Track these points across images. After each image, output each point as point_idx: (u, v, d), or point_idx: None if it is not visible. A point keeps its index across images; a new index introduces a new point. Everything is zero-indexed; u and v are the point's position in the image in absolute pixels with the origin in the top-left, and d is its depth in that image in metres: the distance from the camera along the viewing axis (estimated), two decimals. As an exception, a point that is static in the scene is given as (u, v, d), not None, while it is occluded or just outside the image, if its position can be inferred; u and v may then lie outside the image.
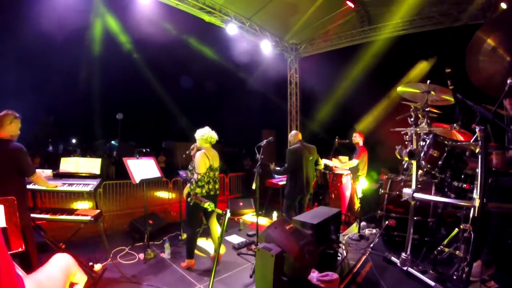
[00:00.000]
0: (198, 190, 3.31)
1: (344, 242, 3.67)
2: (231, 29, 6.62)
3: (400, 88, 3.09)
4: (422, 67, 7.51)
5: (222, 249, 3.92)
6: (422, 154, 2.72)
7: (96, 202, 3.91)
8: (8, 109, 2.55)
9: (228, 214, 2.08)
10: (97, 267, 3.13)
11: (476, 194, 2.06)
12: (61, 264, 0.84)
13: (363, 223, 4.41)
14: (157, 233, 4.34)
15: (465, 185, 2.45)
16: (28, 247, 2.41)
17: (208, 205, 2.29)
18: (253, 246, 3.92)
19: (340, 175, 5.19)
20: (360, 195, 4.83)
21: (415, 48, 7.73)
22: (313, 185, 5.49)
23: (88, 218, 3.18)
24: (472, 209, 2.12)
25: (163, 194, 7.12)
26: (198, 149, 3.49)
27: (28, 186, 2.88)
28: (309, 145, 4.43)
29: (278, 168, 4.49)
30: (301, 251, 2.30)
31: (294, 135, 4.53)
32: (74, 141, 31.12)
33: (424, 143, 2.83)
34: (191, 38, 9.98)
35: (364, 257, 3.36)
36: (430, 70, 7.25)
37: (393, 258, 3.03)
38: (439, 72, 2.55)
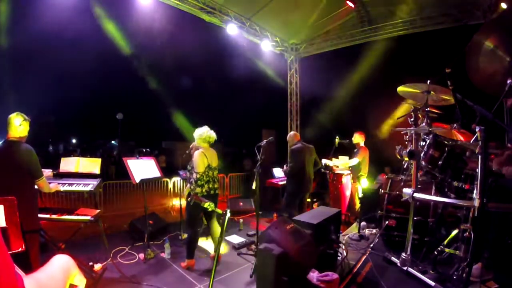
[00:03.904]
0: (198, 189, 3.31)
1: (344, 242, 3.67)
2: (231, 29, 6.61)
3: (400, 88, 3.09)
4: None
5: (225, 248, 3.92)
6: (422, 154, 2.72)
7: (96, 202, 3.91)
8: (6, 109, 2.56)
9: (228, 214, 2.08)
10: (97, 267, 3.13)
11: (476, 194, 2.06)
12: (62, 265, 0.85)
13: (363, 223, 4.41)
14: (157, 233, 4.33)
15: (465, 185, 2.45)
16: (32, 249, 2.41)
17: (208, 205, 2.29)
18: (253, 246, 3.92)
19: (340, 175, 5.19)
20: (360, 195, 4.83)
21: (415, 48, 7.72)
22: (313, 185, 5.50)
23: (88, 218, 3.18)
24: (472, 209, 2.12)
25: (163, 194, 7.11)
26: (197, 149, 3.50)
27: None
28: (309, 145, 4.54)
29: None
30: (301, 251, 2.31)
31: (293, 136, 4.63)
32: (74, 141, 31.10)
33: (424, 143, 2.83)
34: (191, 38, 9.98)
35: (364, 257, 3.36)
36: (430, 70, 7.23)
37: (393, 258, 3.03)
38: (439, 72, 2.56)
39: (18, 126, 2.48)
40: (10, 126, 2.47)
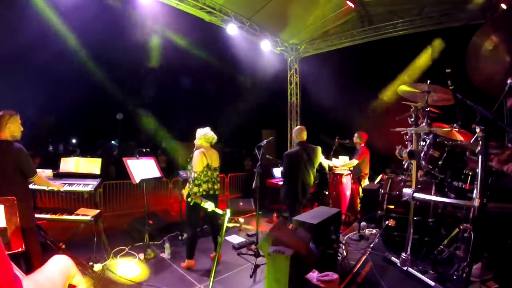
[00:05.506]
0: (195, 189, 3.31)
1: (344, 242, 3.67)
2: (231, 29, 6.62)
3: (400, 88, 3.10)
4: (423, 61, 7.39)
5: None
6: (422, 154, 2.72)
7: (96, 202, 3.91)
8: (6, 108, 2.54)
9: (228, 214, 2.08)
10: (97, 267, 3.13)
11: (476, 194, 2.06)
12: (60, 265, 0.84)
13: (363, 223, 4.41)
14: (157, 233, 4.33)
15: (465, 185, 2.45)
16: (32, 248, 2.41)
17: (208, 205, 2.29)
18: (253, 246, 3.92)
19: (340, 175, 5.19)
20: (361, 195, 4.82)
21: (415, 48, 7.71)
22: (313, 186, 5.47)
23: (88, 218, 3.19)
24: (472, 209, 2.12)
25: (163, 194, 7.12)
26: (197, 148, 3.50)
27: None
28: (312, 147, 4.08)
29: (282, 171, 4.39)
30: (309, 248, 2.31)
31: (297, 133, 4.14)
32: (74, 141, 31.08)
33: (424, 143, 2.83)
34: (191, 38, 9.98)
35: (364, 257, 3.36)
36: (430, 69, 7.22)
37: (393, 258, 3.03)
38: (439, 72, 2.56)
39: (5, 125, 2.44)
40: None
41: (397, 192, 3.53)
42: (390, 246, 3.53)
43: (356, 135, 5.40)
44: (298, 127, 4.30)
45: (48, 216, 3.20)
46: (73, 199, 5.23)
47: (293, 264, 2.22)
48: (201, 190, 3.33)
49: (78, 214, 3.23)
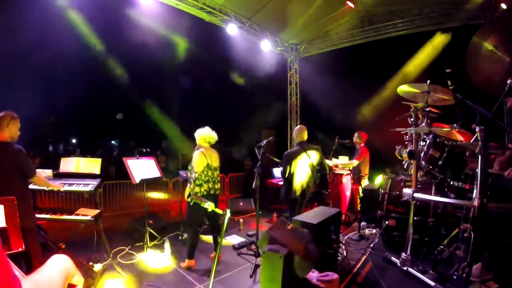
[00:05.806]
0: (197, 189, 3.31)
1: (344, 242, 3.67)
2: (231, 29, 6.62)
3: (400, 88, 3.09)
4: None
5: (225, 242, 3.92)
6: (422, 154, 2.72)
7: (96, 202, 3.91)
8: (7, 109, 2.54)
9: (228, 214, 2.08)
10: (97, 267, 3.13)
11: (476, 194, 2.06)
12: (60, 265, 0.84)
13: (363, 223, 4.41)
14: (157, 233, 4.34)
15: (465, 185, 2.45)
16: (32, 248, 2.41)
17: (208, 205, 2.29)
18: (253, 246, 3.92)
19: (340, 175, 5.19)
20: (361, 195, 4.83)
21: (415, 48, 7.71)
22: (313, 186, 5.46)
23: (88, 218, 3.18)
24: (472, 209, 2.12)
25: (163, 194, 7.12)
26: (197, 149, 3.50)
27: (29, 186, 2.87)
28: (313, 147, 4.02)
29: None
30: (307, 249, 2.31)
31: (298, 133, 4.05)
32: (74, 141, 31.06)
33: (424, 143, 2.83)
34: (191, 38, 9.96)
35: (364, 257, 3.36)
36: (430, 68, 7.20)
37: (393, 258, 3.03)
38: (439, 72, 2.56)
39: (6, 126, 2.44)
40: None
41: (397, 192, 3.53)
42: (390, 246, 3.53)
43: (356, 135, 5.39)
44: (298, 126, 4.21)
45: (48, 216, 3.20)
46: (73, 199, 5.24)
47: (287, 264, 2.22)
48: (202, 190, 3.33)
49: (78, 214, 3.23)
